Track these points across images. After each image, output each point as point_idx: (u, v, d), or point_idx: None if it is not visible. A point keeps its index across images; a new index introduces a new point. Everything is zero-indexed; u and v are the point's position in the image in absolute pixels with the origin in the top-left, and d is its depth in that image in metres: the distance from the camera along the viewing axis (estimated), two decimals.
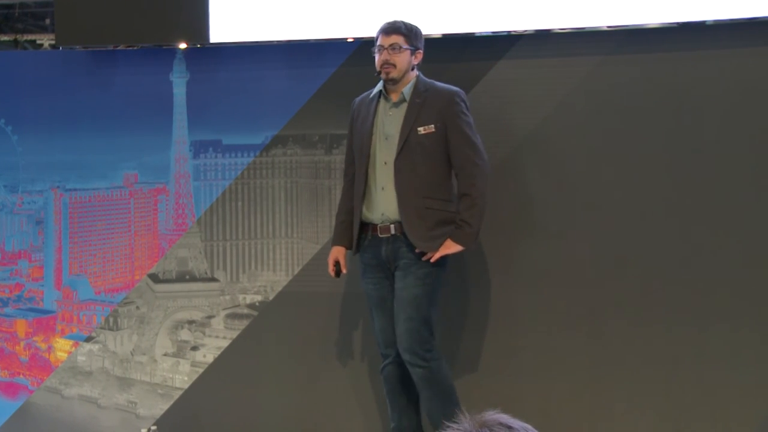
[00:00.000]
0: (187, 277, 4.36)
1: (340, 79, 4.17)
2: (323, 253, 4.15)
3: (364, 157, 3.65)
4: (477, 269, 4.07)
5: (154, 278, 4.39)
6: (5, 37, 5.70)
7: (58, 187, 4.46)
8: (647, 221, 3.94)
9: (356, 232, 3.67)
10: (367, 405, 4.16)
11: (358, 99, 3.79)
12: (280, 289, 4.26)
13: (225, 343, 4.30)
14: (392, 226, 3.61)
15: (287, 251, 4.25)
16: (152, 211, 4.40)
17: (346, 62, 4.18)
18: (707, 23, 3.80)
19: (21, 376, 4.50)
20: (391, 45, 3.60)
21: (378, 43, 3.63)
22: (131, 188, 4.40)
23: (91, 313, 4.44)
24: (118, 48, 4.36)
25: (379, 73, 3.62)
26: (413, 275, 3.60)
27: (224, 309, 4.32)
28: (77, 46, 4.38)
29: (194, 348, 4.34)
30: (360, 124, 3.71)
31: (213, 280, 4.33)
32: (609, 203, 3.97)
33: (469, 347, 4.07)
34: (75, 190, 4.45)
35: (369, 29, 3.99)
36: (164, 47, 4.31)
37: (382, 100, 3.68)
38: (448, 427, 1.36)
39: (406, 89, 3.64)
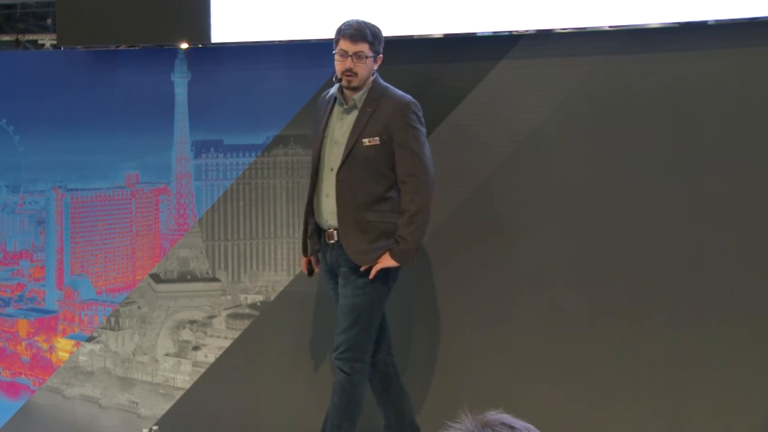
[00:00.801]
0: (189, 277, 4.36)
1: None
2: None
3: (314, 160, 3.63)
4: (477, 269, 4.07)
5: (156, 278, 4.39)
6: (7, 37, 5.70)
7: (59, 187, 4.46)
8: (649, 221, 3.93)
9: (307, 236, 3.73)
10: (367, 405, 4.16)
11: (320, 97, 3.75)
12: (281, 289, 4.26)
13: (226, 343, 4.30)
14: (335, 233, 3.60)
15: (288, 251, 4.25)
16: (154, 211, 4.40)
17: None
18: (709, 23, 3.80)
19: (22, 376, 4.50)
20: (356, 53, 3.51)
21: (340, 47, 3.52)
22: (133, 188, 4.40)
23: (92, 313, 4.44)
24: (120, 48, 4.36)
25: (340, 79, 3.53)
26: (352, 285, 3.58)
27: (226, 309, 4.32)
28: (79, 46, 4.38)
29: (196, 348, 4.34)
30: (315, 125, 3.69)
31: (214, 280, 4.33)
32: (610, 203, 3.97)
33: (470, 347, 4.07)
34: (76, 190, 4.45)
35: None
36: (166, 47, 4.31)
37: (336, 102, 3.63)
38: (450, 426, 1.36)
39: (358, 96, 3.56)
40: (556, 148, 4.02)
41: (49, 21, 5.61)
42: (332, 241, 3.61)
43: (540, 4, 3.89)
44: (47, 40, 5.76)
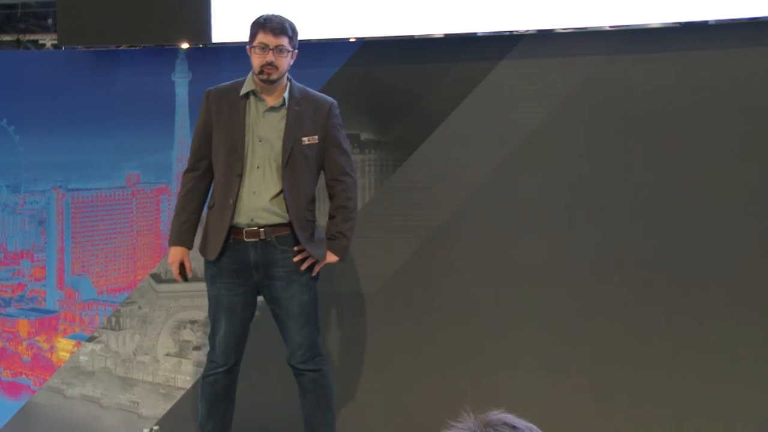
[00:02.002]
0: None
1: (342, 79, 4.17)
2: None
3: (237, 158, 3.50)
4: (478, 268, 4.07)
5: (157, 278, 4.39)
6: (7, 37, 5.70)
7: (60, 187, 4.46)
8: (650, 221, 3.94)
9: (224, 235, 3.49)
10: (370, 405, 4.16)
11: (213, 91, 3.61)
12: None
13: None
14: (261, 230, 3.50)
15: None
16: (154, 211, 4.40)
17: (347, 62, 4.18)
18: (710, 23, 3.80)
19: (23, 375, 4.50)
20: (277, 47, 3.47)
21: (260, 40, 3.48)
22: (133, 188, 4.40)
23: (93, 313, 4.44)
24: (120, 48, 4.36)
25: (261, 72, 3.47)
26: (297, 283, 3.53)
27: None
28: (79, 46, 4.38)
29: (196, 348, 4.34)
30: (224, 121, 3.55)
31: None
32: (611, 203, 3.97)
33: (471, 346, 4.07)
34: (77, 190, 4.45)
35: (371, 29, 4.01)
36: (166, 47, 4.31)
37: (252, 100, 3.55)
38: (453, 426, 1.36)
39: (286, 94, 3.54)
40: (557, 148, 4.02)
41: (49, 21, 5.62)
42: (253, 240, 3.49)
43: (541, 4, 3.90)
44: (48, 40, 5.76)
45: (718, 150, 3.88)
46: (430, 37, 4.03)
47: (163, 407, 4.35)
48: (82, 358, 4.44)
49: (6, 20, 5.70)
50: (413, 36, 4.04)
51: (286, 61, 3.50)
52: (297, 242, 3.51)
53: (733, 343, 3.86)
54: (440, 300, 4.11)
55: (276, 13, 3.55)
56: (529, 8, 3.90)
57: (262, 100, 3.54)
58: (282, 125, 3.52)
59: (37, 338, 4.49)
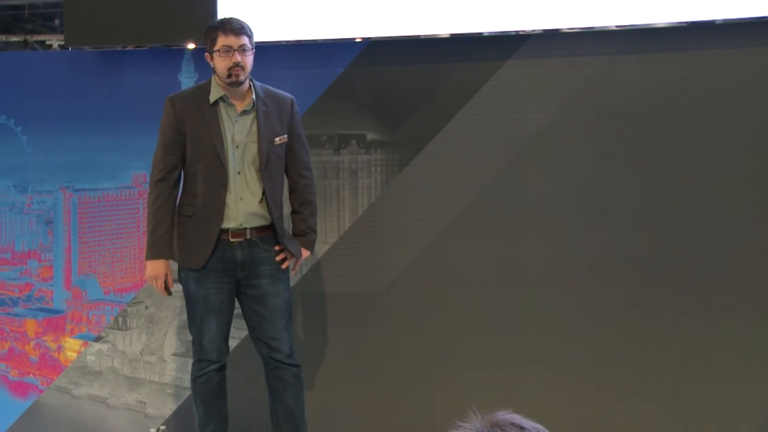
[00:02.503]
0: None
1: (348, 80, 4.17)
2: (331, 253, 4.16)
3: (219, 166, 3.49)
4: (484, 269, 4.07)
5: None
6: (15, 38, 5.72)
7: (67, 187, 4.47)
8: (655, 221, 3.93)
9: (213, 242, 3.50)
10: (376, 406, 4.16)
11: (177, 98, 3.60)
12: None
13: (233, 343, 4.29)
14: (247, 230, 3.55)
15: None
16: None
17: (353, 62, 4.18)
18: (716, 22, 3.80)
19: (31, 375, 4.52)
20: (241, 46, 3.49)
21: (222, 43, 3.49)
22: (140, 188, 4.41)
23: (100, 312, 4.45)
24: (127, 48, 4.37)
25: (229, 75, 3.48)
26: (282, 281, 3.61)
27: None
28: (86, 47, 4.39)
29: None
30: (198, 129, 3.52)
31: None
32: (617, 203, 3.97)
33: (477, 347, 4.07)
34: (84, 190, 4.46)
35: (377, 30, 4.01)
36: (173, 47, 4.31)
37: (222, 106, 3.55)
38: (460, 426, 1.36)
39: (253, 96, 3.56)
40: (562, 147, 4.02)
41: (56, 21, 5.63)
42: (239, 239, 3.53)
43: (547, 4, 3.89)
44: (55, 41, 5.78)
45: (724, 150, 3.88)
46: (435, 37, 4.03)
47: (170, 407, 4.36)
48: (89, 357, 4.45)
49: (13, 21, 5.71)
50: (419, 36, 4.04)
51: (250, 60, 3.53)
52: (276, 241, 3.58)
53: (740, 343, 3.86)
54: (445, 301, 4.11)
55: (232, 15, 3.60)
56: (535, 8, 3.90)
57: (231, 105, 3.55)
58: (254, 128, 3.55)
59: (44, 338, 4.50)
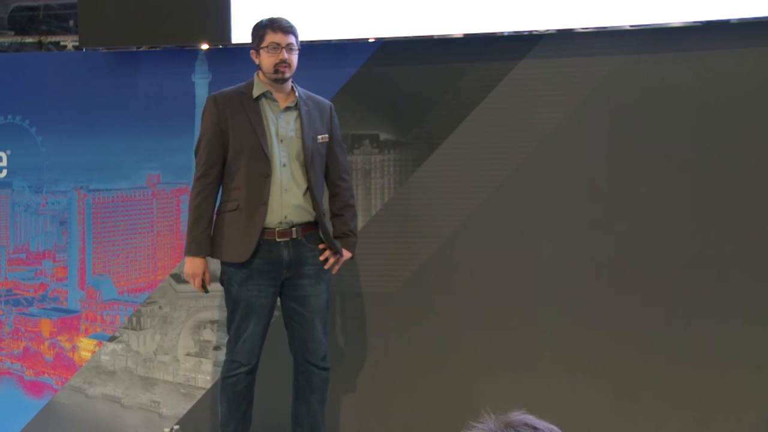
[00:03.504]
0: (209, 276, 4.37)
1: (361, 79, 4.18)
2: None
3: (263, 159, 3.52)
4: (498, 269, 4.06)
5: (177, 278, 4.40)
6: (29, 39, 5.75)
7: (81, 187, 4.49)
8: (669, 220, 3.92)
9: (257, 236, 3.51)
10: (390, 405, 4.16)
11: (219, 96, 3.62)
12: None
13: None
14: (293, 229, 3.56)
15: None
16: (175, 212, 4.42)
17: (367, 62, 4.18)
18: (731, 22, 3.78)
19: (45, 375, 4.54)
20: (288, 45, 3.55)
21: (271, 40, 3.55)
22: (154, 188, 4.42)
23: (114, 312, 4.46)
24: (141, 49, 4.39)
25: (276, 71, 3.53)
26: (324, 282, 3.65)
27: None
28: (100, 48, 4.40)
29: (216, 348, 4.35)
30: (242, 124, 3.55)
31: None
32: (631, 203, 3.96)
33: (489, 348, 4.07)
34: (98, 190, 4.48)
35: (390, 30, 4.00)
36: (186, 48, 4.33)
37: (264, 101, 3.60)
38: (474, 426, 1.36)
39: (297, 94, 3.62)
40: (576, 147, 4.01)
41: (71, 22, 5.65)
42: (285, 239, 3.55)
43: (561, 3, 3.88)
44: (69, 42, 5.80)
45: (738, 150, 3.86)
46: (449, 37, 4.03)
47: (184, 407, 4.37)
48: (104, 357, 4.47)
49: (28, 22, 5.74)
50: (432, 36, 4.04)
51: (296, 59, 3.59)
52: (320, 240, 3.61)
53: (754, 343, 3.84)
54: (458, 301, 4.10)
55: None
56: (549, 8, 3.89)
57: (274, 101, 3.60)
58: (297, 124, 3.59)
59: (59, 338, 4.52)
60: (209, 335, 4.37)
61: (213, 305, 4.36)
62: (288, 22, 3.60)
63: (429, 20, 3.99)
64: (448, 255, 4.11)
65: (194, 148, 3.70)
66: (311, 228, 3.60)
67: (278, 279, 3.58)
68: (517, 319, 4.05)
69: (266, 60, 3.56)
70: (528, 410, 1.41)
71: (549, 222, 4.03)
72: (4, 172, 4.57)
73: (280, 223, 3.55)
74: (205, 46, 4.29)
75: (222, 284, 3.68)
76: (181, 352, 4.40)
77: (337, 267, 3.68)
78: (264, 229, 3.53)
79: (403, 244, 4.15)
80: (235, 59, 4.33)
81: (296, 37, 3.60)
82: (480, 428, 1.36)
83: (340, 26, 4.07)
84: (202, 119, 3.65)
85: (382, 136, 4.19)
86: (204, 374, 4.36)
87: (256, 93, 3.59)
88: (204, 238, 3.58)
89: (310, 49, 4.22)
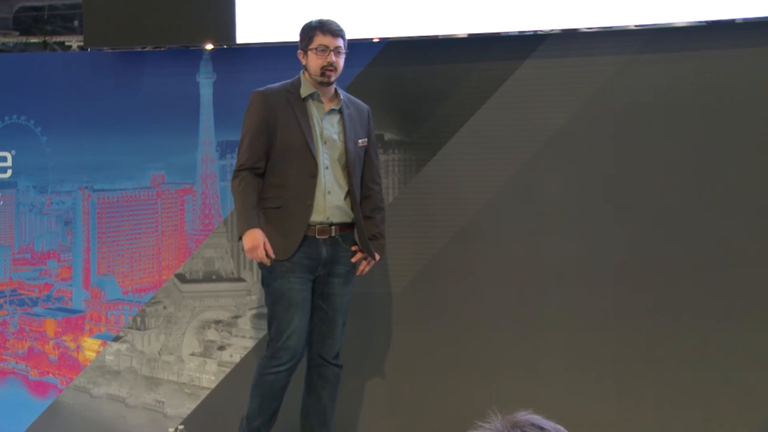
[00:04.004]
0: (214, 277, 4.38)
1: (366, 80, 4.17)
2: None
3: (310, 159, 3.54)
4: (503, 269, 4.06)
5: (181, 278, 4.41)
6: (34, 39, 5.76)
7: (86, 187, 4.49)
8: (674, 220, 3.91)
9: (302, 234, 3.53)
10: (394, 405, 4.16)
11: (267, 93, 3.61)
12: None
13: (251, 343, 4.31)
14: (332, 228, 3.60)
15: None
16: (179, 212, 4.42)
17: (371, 62, 4.18)
18: (736, 21, 3.77)
19: (50, 375, 4.54)
20: (336, 48, 3.56)
21: (320, 42, 3.55)
22: (158, 189, 4.43)
23: (118, 312, 4.46)
24: (146, 49, 4.39)
25: (322, 74, 3.54)
26: (351, 283, 3.71)
27: (251, 309, 4.33)
28: (105, 48, 4.41)
29: (221, 348, 4.36)
30: (290, 122, 3.57)
31: (239, 280, 4.34)
32: (635, 203, 3.95)
33: (495, 347, 4.07)
34: (103, 190, 4.48)
35: (395, 30, 4.00)
36: (191, 48, 4.33)
37: (311, 102, 3.61)
38: (480, 426, 1.36)
39: (340, 96, 3.63)
40: (581, 147, 4.00)
41: (76, 23, 5.66)
42: (325, 237, 3.58)
43: (565, 3, 3.88)
44: (74, 42, 5.81)
45: (744, 149, 3.85)
46: (453, 37, 4.03)
47: (188, 407, 4.37)
48: (108, 357, 4.47)
49: (33, 22, 5.75)
50: (437, 36, 4.04)
51: (342, 62, 3.60)
52: (353, 242, 3.66)
53: (760, 343, 3.83)
54: (464, 300, 4.10)
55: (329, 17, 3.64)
56: (553, 8, 3.89)
57: (320, 102, 3.62)
58: (340, 127, 3.61)
59: (63, 338, 4.53)
60: (214, 335, 4.37)
61: (217, 305, 4.37)
62: (337, 25, 3.60)
63: (433, 20, 3.99)
64: (453, 255, 4.10)
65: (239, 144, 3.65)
66: (347, 229, 3.64)
67: (314, 274, 3.62)
68: (523, 318, 4.05)
69: (313, 62, 3.57)
70: (534, 410, 1.41)
71: (554, 222, 4.02)
72: (9, 172, 4.57)
73: (321, 222, 3.58)
74: (209, 46, 4.30)
75: (262, 283, 3.71)
76: (186, 352, 4.40)
77: (367, 268, 3.72)
78: (307, 226, 3.57)
79: (408, 244, 4.15)
80: (239, 59, 4.34)
81: (344, 40, 3.61)
82: (487, 428, 1.35)
83: (345, 26, 4.06)
84: (247, 114, 3.63)
85: (387, 136, 4.19)
86: (208, 374, 4.36)
87: (304, 93, 3.60)
88: (255, 214, 3.54)
89: None
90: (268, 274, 3.61)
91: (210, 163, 4.36)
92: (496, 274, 4.07)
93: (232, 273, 4.35)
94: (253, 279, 4.32)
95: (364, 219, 3.70)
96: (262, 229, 3.53)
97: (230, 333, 4.34)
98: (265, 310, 4.17)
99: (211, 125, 4.36)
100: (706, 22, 3.80)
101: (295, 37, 4.12)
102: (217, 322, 4.36)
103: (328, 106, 3.62)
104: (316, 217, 3.57)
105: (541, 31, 3.96)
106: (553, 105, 4.01)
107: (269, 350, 3.65)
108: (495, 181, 4.07)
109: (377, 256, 3.71)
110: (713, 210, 3.88)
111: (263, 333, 4.29)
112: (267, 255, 3.53)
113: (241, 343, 4.33)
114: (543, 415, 1.39)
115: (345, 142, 3.60)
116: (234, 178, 3.61)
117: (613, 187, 3.98)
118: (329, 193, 3.58)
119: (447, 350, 4.11)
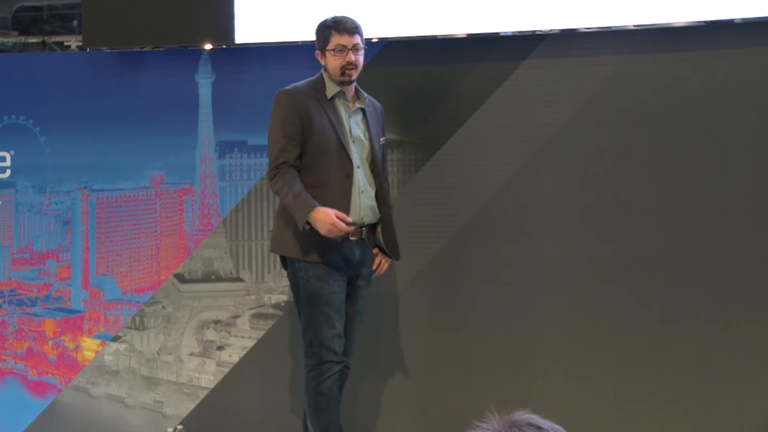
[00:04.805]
0: (213, 277, 4.38)
1: (365, 80, 4.16)
2: None
3: (345, 157, 3.50)
4: (501, 269, 4.06)
5: (180, 278, 4.41)
6: (33, 39, 5.76)
7: (85, 187, 4.49)
8: (673, 221, 3.91)
9: (339, 238, 3.45)
10: (394, 406, 4.16)
11: (293, 91, 3.53)
12: None
13: (250, 343, 4.32)
14: (363, 229, 3.57)
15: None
16: (178, 212, 4.42)
17: (370, 62, 4.16)
18: (735, 21, 3.77)
19: (49, 375, 4.54)
20: (354, 46, 3.50)
21: (337, 42, 3.49)
22: (157, 188, 4.43)
23: (117, 312, 4.46)
24: (144, 49, 4.39)
25: (342, 73, 3.49)
26: (370, 285, 3.70)
27: (250, 309, 4.33)
28: (104, 48, 4.41)
29: (220, 348, 4.36)
30: (322, 121, 3.49)
31: (238, 280, 4.34)
32: (635, 203, 3.95)
33: (494, 347, 4.06)
34: (102, 190, 4.48)
35: (394, 30, 4.00)
36: (190, 48, 4.33)
37: (337, 101, 3.57)
38: (478, 426, 1.36)
39: (361, 94, 3.62)
40: (580, 147, 4.00)
41: (75, 23, 5.66)
42: (356, 238, 3.56)
43: (564, 3, 3.88)
44: (73, 42, 5.81)
45: (742, 150, 3.85)
46: (452, 37, 4.03)
47: (187, 407, 4.37)
48: (107, 357, 4.47)
49: (32, 22, 5.75)
50: (436, 36, 4.04)
51: (362, 59, 3.55)
52: (374, 243, 3.64)
53: (760, 344, 3.83)
54: (462, 301, 4.10)
55: (346, 14, 3.59)
56: (552, 8, 3.89)
57: (346, 101, 3.59)
58: (365, 126, 3.60)
59: (62, 338, 4.53)
60: (212, 335, 4.37)
61: (216, 305, 4.37)
62: (353, 22, 3.53)
63: (432, 20, 3.99)
64: (452, 255, 4.10)
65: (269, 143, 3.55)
66: (372, 230, 3.63)
67: (346, 276, 3.58)
68: (520, 319, 4.04)
69: (332, 62, 3.51)
70: (531, 410, 1.40)
71: (553, 222, 4.02)
72: (8, 172, 4.57)
73: (355, 222, 3.52)
74: (208, 46, 4.30)
75: (291, 284, 3.61)
76: (185, 352, 4.40)
77: (386, 267, 3.71)
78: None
79: (407, 244, 4.14)
80: (238, 59, 4.34)
81: (362, 36, 3.54)
82: (484, 428, 1.35)
83: None
84: (277, 113, 3.51)
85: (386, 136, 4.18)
86: (207, 374, 4.36)
87: (330, 93, 3.54)
88: (308, 196, 3.40)
89: (312, 49, 4.21)
90: (304, 276, 3.52)
91: (209, 163, 4.36)
92: (494, 274, 4.07)
93: (231, 273, 4.35)
94: (251, 279, 4.32)
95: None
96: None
97: (229, 333, 4.34)
98: (264, 310, 4.18)
99: (210, 125, 4.36)
100: (705, 22, 3.80)
101: (294, 37, 4.14)
102: (216, 322, 4.36)
103: (353, 105, 3.59)
104: (352, 217, 3.49)
105: (540, 31, 3.95)
106: (552, 105, 4.01)
107: (312, 359, 3.53)
108: (494, 181, 4.07)
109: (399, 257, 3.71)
110: (713, 210, 3.88)
111: (262, 333, 4.30)
112: (346, 223, 3.39)
113: (240, 343, 4.33)
114: (541, 414, 1.39)
115: (370, 140, 3.59)
116: (273, 176, 3.47)
117: (612, 187, 3.97)
118: (362, 192, 3.55)
119: (446, 350, 4.11)
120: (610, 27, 3.88)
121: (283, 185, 3.43)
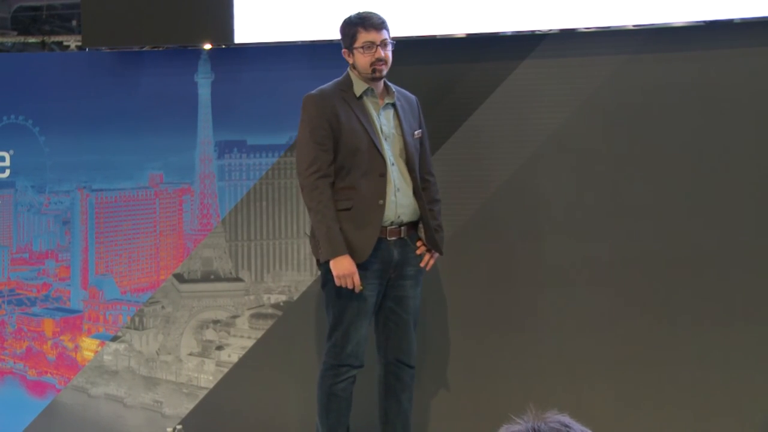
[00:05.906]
0: (212, 276, 4.38)
1: None
2: None
3: (377, 157, 3.46)
4: (501, 270, 4.06)
5: (180, 278, 4.41)
6: (33, 39, 5.76)
7: (84, 187, 4.49)
8: (672, 221, 3.91)
9: (376, 236, 3.44)
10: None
11: (319, 95, 3.51)
12: (304, 288, 4.26)
13: (250, 343, 4.32)
14: (402, 228, 3.53)
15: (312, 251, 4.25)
16: (177, 212, 4.42)
17: None
18: (735, 21, 3.77)
19: (48, 374, 4.54)
20: (383, 41, 3.48)
21: (365, 39, 3.46)
22: (156, 188, 4.43)
23: (117, 312, 4.46)
24: (144, 49, 4.39)
25: (373, 70, 3.47)
26: (420, 283, 3.63)
27: (249, 309, 4.33)
28: (103, 48, 4.41)
29: (219, 347, 4.36)
30: (352, 122, 3.47)
31: (238, 279, 4.34)
32: (634, 203, 3.95)
33: (493, 347, 4.06)
34: (101, 190, 4.48)
35: (393, 29, 4.00)
36: (189, 48, 4.33)
37: (366, 99, 3.54)
38: (513, 421, 1.37)
39: (393, 91, 3.58)
40: (579, 147, 4.00)
41: (74, 22, 5.66)
42: (394, 238, 3.51)
43: (563, 3, 3.88)
44: (72, 42, 5.81)
45: (742, 149, 3.85)
46: (451, 37, 4.03)
47: (187, 406, 4.37)
48: (106, 357, 4.47)
49: (31, 22, 5.75)
50: (435, 36, 4.04)
51: (391, 53, 3.52)
52: (417, 240, 3.58)
53: (759, 344, 3.83)
54: (462, 300, 4.10)
55: (370, 9, 3.56)
56: (552, 8, 3.89)
57: (375, 98, 3.55)
58: (396, 121, 3.55)
59: (61, 337, 4.53)
60: (212, 335, 4.37)
61: (215, 305, 4.37)
62: (379, 17, 3.50)
63: (431, 20, 3.99)
64: (451, 254, 4.10)
65: (297, 149, 3.54)
66: (413, 228, 3.57)
67: (385, 278, 3.52)
68: (520, 319, 4.04)
69: (361, 60, 3.48)
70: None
71: (552, 222, 4.02)
72: (7, 172, 4.57)
73: (392, 222, 3.50)
74: (207, 46, 4.30)
75: (322, 283, 3.57)
76: (184, 352, 4.40)
77: (432, 262, 3.64)
78: (380, 229, 3.47)
79: None
80: (238, 59, 4.34)
81: (388, 30, 3.51)
82: (518, 423, 1.37)
83: None
84: (306, 119, 3.49)
85: None
86: (206, 374, 4.36)
87: (358, 91, 3.51)
88: (341, 236, 3.40)
89: (312, 49, 4.23)
90: (330, 279, 3.47)
91: (208, 162, 4.36)
92: (494, 274, 4.07)
93: (230, 273, 4.35)
94: (251, 279, 4.32)
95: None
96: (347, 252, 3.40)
97: (228, 333, 4.34)
98: (263, 310, 4.18)
99: (210, 125, 4.36)
100: (705, 22, 3.79)
101: (292, 36, 4.14)
102: (216, 322, 4.36)
103: (382, 100, 3.55)
104: (388, 216, 3.46)
105: (539, 31, 3.95)
106: (552, 105, 4.00)
107: (332, 359, 3.53)
108: (493, 181, 4.07)
109: (442, 251, 3.64)
110: (712, 210, 3.88)
111: (261, 333, 4.30)
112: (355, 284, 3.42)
113: (240, 343, 4.33)
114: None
115: (403, 135, 3.53)
116: (311, 190, 3.43)
117: (611, 186, 3.97)
118: (398, 190, 3.50)
119: (446, 350, 4.10)
120: (609, 27, 3.88)
121: (318, 205, 3.41)
